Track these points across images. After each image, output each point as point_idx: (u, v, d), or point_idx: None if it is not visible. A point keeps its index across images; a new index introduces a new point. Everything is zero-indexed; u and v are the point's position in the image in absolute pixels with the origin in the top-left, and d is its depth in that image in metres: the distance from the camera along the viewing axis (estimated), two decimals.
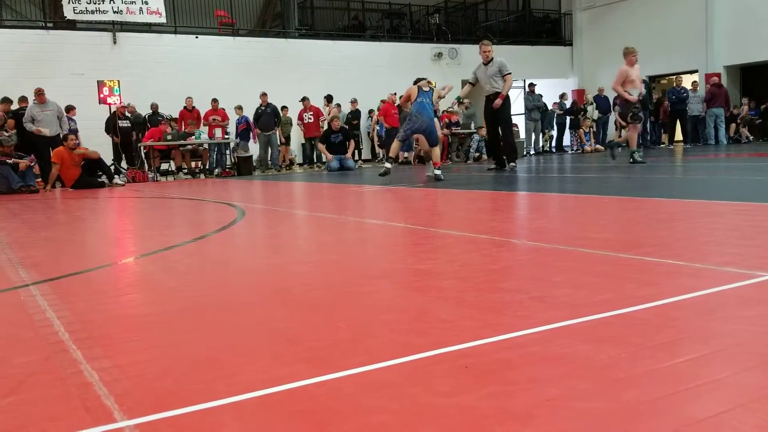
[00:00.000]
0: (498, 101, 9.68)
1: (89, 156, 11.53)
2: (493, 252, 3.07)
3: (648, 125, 17.23)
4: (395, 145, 9.26)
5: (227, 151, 14.97)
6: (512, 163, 10.06)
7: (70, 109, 13.22)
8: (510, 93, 10.07)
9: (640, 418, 1.21)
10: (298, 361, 1.63)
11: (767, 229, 3.44)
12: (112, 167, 12.79)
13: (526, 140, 17.53)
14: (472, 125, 16.07)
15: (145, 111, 14.54)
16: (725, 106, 16.69)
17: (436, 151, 8.93)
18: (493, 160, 10.62)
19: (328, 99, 16.22)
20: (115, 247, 4.37)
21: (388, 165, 8.88)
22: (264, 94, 15.07)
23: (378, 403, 1.33)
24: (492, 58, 9.79)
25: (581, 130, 17.25)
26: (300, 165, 16.66)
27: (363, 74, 18.19)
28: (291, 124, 15.99)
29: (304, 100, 15.76)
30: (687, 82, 18.03)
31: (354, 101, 16.80)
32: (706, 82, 17.50)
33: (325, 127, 14.91)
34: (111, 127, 13.73)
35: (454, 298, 2.21)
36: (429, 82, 9.00)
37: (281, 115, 15.58)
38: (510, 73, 9.81)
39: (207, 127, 14.67)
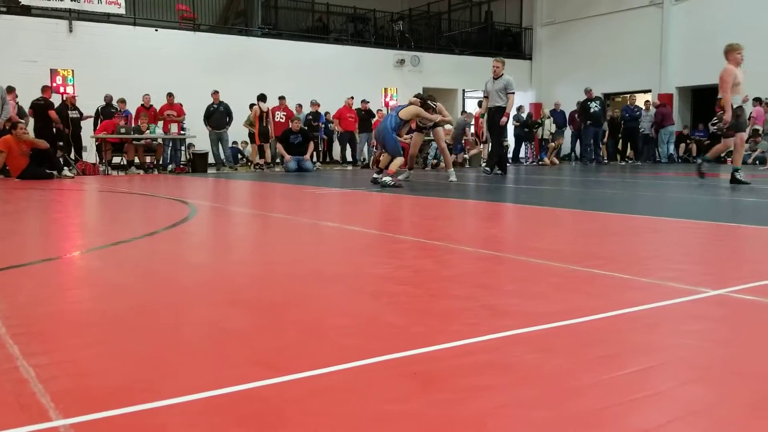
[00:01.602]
0: (504, 119, 10.67)
1: (38, 145, 11.20)
2: (446, 259, 3.08)
3: (601, 142, 17.63)
4: (396, 160, 9.18)
5: (182, 147, 14.73)
6: (498, 171, 11.00)
7: (10, 90, 12.78)
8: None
9: (585, 428, 1.22)
10: (246, 363, 1.60)
11: (711, 246, 3.54)
12: (61, 158, 12.45)
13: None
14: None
15: (98, 102, 14.21)
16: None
17: (395, 161, 8.85)
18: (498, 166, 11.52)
19: (261, 98, 15.53)
20: (61, 241, 4.25)
21: (387, 179, 8.65)
22: (216, 92, 14.88)
23: (325, 409, 1.32)
24: (501, 74, 10.60)
25: (552, 144, 17.58)
26: (255, 166, 16.49)
27: (325, 76, 18.14)
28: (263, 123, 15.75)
29: (280, 99, 15.57)
30: (640, 101, 18.49)
31: (314, 103, 16.74)
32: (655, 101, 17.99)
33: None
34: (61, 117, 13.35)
35: (406, 304, 2.21)
36: (414, 103, 9.24)
37: (232, 113, 15.23)
38: (513, 93, 10.65)
39: (162, 122, 14.41)
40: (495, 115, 10.77)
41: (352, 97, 16.63)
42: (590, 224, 4.57)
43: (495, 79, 10.71)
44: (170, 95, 14.66)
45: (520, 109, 18.54)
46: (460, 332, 1.83)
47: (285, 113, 15.56)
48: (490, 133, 11.37)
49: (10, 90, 12.65)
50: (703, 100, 18.56)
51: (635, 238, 3.81)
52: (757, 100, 16.93)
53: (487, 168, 11.49)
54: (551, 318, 1.96)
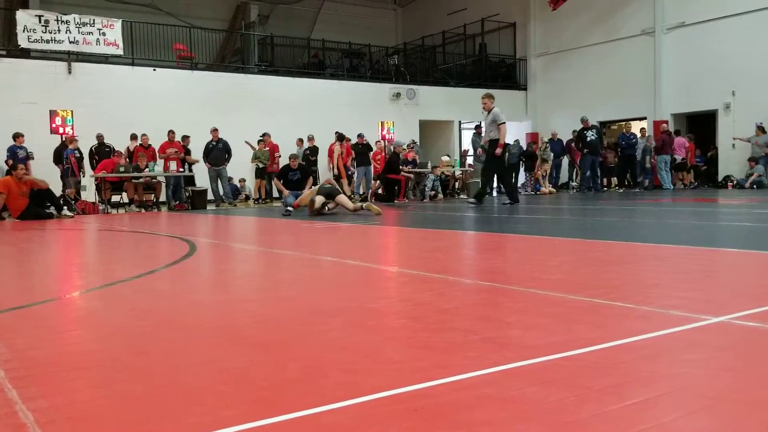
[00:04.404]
0: (498, 150, 10.91)
1: (38, 186, 11.24)
2: (446, 291, 3.08)
3: (598, 169, 17.70)
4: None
5: (182, 184, 14.77)
6: (508, 201, 11.34)
7: (17, 136, 12.92)
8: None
9: None
10: (246, 402, 1.59)
11: (712, 273, 3.53)
12: (61, 198, 12.49)
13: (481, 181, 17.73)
14: (429, 165, 16.28)
15: (94, 142, 14.33)
16: (671, 153, 17.25)
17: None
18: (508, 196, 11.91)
19: (339, 138, 16.43)
20: (60, 281, 4.24)
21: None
22: (215, 130, 15.02)
23: None
24: (491, 108, 10.99)
25: (538, 172, 17.61)
26: (255, 201, 16.56)
27: (322, 111, 18.30)
28: (267, 158, 15.91)
29: (264, 135, 15.79)
30: (635, 128, 18.62)
31: (311, 138, 16.86)
32: (654, 129, 18.09)
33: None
34: (60, 157, 13.42)
35: (407, 338, 2.20)
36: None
37: (231, 150, 15.47)
38: (503, 123, 10.91)
39: (163, 160, 14.49)
40: (490, 148, 11.13)
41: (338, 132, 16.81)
42: (590, 253, 4.57)
43: (488, 113, 11.12)
44: (171, 132, 14.77)
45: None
46: (461, 366, 1.82)
47: (268, 149, 15.84)
48: (487, 165, 11.58)
49: (17, 136, 12.80)
50: (699, 125, 18.70)
51: (635, 267, 3.80)
52: (677, 132, 17.27)
53: (472, 200, 11.57)
54: (552, 349, 1.95)
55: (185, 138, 14.94)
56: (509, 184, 11.96)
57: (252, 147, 15.88)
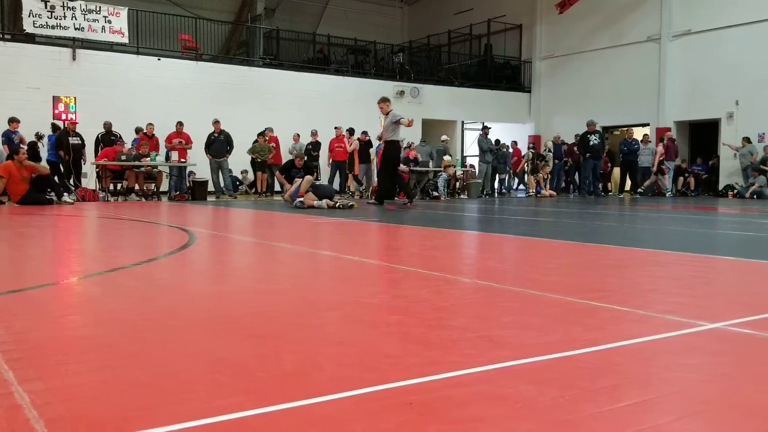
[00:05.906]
0: (379, 142, 11.58)
1: (39, 171, 11.24)
2: (443, 289, 3.08)
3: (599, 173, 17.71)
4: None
5: (186, 175, 14.76)
6: (373, 200, 11.75)
7: (12, 121, 12.88)
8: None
9: None
10: (240, 391, 1.59)
11: (708, 279, 3.54)
12: (61, 185, 12.48)
13: (483, 181, 17.72)
14: (430, 164, 16.29)
15: (101, 129, 14.32)
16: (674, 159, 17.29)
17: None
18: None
19: (350, 132, 16.75)
20: (59, 267, 4.24)
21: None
22: (217, 121, 15.00)
23: None
24: (389, 111, 11.36)
25: (540, 175, 17.60)
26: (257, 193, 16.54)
27: (325, 107, 18.28)
28: (270, 151, 15.89)
29: (266, 130, 15.77)
30: (638, 134, 18.60)
31: (314, 133, 16.84)
32: (656, 136, 18.07)
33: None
34: (61, 144, 13.40)
35: (402, 334, 2.20)
36: None
37: (233, 142, 15.46)
38: (401, 117, 11.16)
39: (170, 150, 14.48)
40: (387, 150, 11.39)
41: (338, 127, 16.78)
42: (588, 256, 4.57)
43: (386, 116, 11.33)
44: (180, 123, 14.75)
45: (496, 142, 18.47)
46: (457, 363, 1.83)
47: (273, 144, 15.93)
48: (383, 166, 11.75)
49: (12, 121, 12.76)
50: (702, 133, 18.69)
51: (633, 271, 3.81)
52: (660, 140, 17.30)
53: (409, 201, 11.76)
54: (548, 349, 1.95)
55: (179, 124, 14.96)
56: (392, 189, 12.04)
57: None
